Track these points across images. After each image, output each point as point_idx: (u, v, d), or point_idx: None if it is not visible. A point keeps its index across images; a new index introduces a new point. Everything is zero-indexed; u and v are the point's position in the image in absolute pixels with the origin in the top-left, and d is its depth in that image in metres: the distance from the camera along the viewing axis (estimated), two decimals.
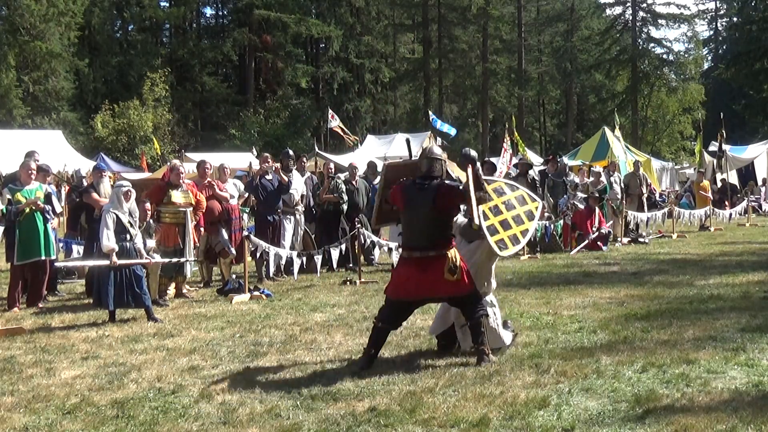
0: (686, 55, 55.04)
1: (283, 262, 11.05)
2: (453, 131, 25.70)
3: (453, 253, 6.03)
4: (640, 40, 52.69)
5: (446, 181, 6.14)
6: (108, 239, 8.29)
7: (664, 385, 5.40)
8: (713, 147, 27.47)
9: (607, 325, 7.46)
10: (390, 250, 12.06)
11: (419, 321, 7.57)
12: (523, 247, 13.96)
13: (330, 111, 21.60)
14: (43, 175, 9.86)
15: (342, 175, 13.30)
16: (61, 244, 11.14)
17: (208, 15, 58.44)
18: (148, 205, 9.45)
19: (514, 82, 52.85)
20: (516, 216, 6.40)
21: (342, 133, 21.61)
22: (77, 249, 11.51)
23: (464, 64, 52.27)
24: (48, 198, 9.44)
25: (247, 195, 12.25)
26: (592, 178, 16.41)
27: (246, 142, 39.11)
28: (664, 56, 53.11)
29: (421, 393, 5.33)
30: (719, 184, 25.50)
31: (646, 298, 9.07)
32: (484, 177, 6.51)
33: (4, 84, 35.97)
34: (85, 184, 13.94)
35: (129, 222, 8.48)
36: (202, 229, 10.42)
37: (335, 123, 21.13)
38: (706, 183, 21.55)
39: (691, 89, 51.82)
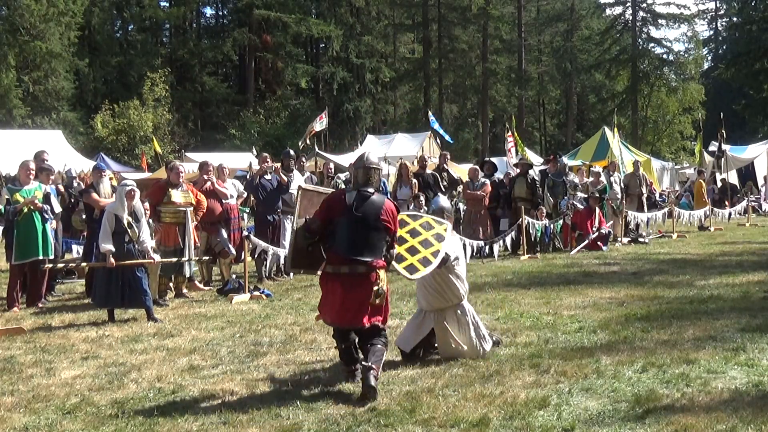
0: (686, 55, 55.07)
1: (283, 261, 11.05)
2: (447, 137, 25.77)
3: (383, 273, 5.56)
4: (640, 40, 52.72)
5: (391, 200, 5.82)
6: (105, 240, 8.30)
7: (664, 385, 5.40)
8: (713, 147, 27.47)
9: (607, 325, 7.46)
10: None
11: None
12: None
13: (324, 114, 21.24)
14: (46, 175, 9.87)
15: (342, 175, 13.31)
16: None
17: (208, 15, 58.49)
18: (146, 205, 9.46)
19: (514, 82, 52.84)
20: (423, 240, 6.15)
21: (308, 135, 21.23)
22: (77, 249, 11.53)
23: (464, 64, 52.27)
24: (47, 198, 9.44)
25: (246, 195, 12.26)
26: (591, 178, 16.42)
27: (246, 142, 39.12)
28: (664, 56, 53.15)
29: (421, 393, 5.33)
30: (719, 184, 25.50)
31: (646, 298, 9.07)
32: None
33: (4, 84, 35.96)
34: (75, 184, 13.99)
35: (130, 222, 8.48)
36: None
37: (319, 125, 20.89)
38: (700, 183, 21.45)
39: (691, 89, 51.83)
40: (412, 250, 6.08)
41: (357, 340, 5.62)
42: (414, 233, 6.19)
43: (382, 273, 5.54)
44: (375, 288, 5.45)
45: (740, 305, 8.38)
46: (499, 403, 5.05)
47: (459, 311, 6.27)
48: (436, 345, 6.36)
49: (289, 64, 50.12)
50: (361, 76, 52.42)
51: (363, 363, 5.38)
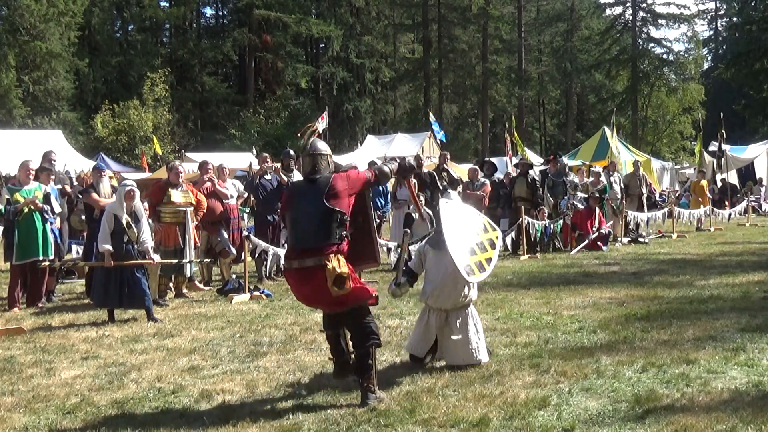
0: (686, 55, 55.07)
1: (283, 262, 11.03)
2: (441, 134, 25.85)
3: (335, 262, 5.05)
4: (640, 40, 52.75)
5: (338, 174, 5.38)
6: (104, 240, 8.31)
7: (664, 385, 5.40)
8: (713, 147, 27.49)
9: (607, 325, 7.46)
10: (389, 250, 12.05)
11: None
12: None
13: (324, 114, 21.09)
14: (46, 176, 9.88)
15: None
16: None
17: (208, 15, 58.56)
18: (146, 205, 9.47)
19: (514, 82, 52.87)
20: (480, 243, 6.03)
21: (313, 134, 21.00)
22: (77, 249, 11.53)
23: (464, 64, 52.30)
24: (47, 198, 9.45)
25: (246, 195, 12.25)
26: (591, 178, 16.42)
27: (246, 142, 39.14)
28: (664, 56, 53.17)
29: (421, 393, 5.33)
30: (719, 184, 25.51)
31: (646, 298, 9.06)
32: (447, 199, 6.39)
33: (4, 84, 35.98)
34: (75, 183, 14.02)
35: (129, 223, 8.47)
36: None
37: (321, 125, 20.72)
38: (696, 184, 21.30)
39: (691, 89, 51.83)
40: (470, 251, 5.95)
41: (346, 332, 5.45)
42: (471, 232, 6.13)
43: (335, 261, 5.06)
44: (330, 279, 5.03)
45: (740, 305, 8.38)
46: (499, 403, 5.04)
47: (465, 312, 6.12)
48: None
49: (289, 64, 50.15)
50: (361, 76, 52.46)
51: (359, 381, 5.22)
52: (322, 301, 5.28)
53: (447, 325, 6.10)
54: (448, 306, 6.10)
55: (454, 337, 6.04)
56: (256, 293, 9.89)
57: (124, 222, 8.43)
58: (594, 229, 15.00)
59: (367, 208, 5.60)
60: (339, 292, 5.04)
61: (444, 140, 26.92)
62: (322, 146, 5.46)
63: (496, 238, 6.22)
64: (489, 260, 6.00)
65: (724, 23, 65.76)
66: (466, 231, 6.08)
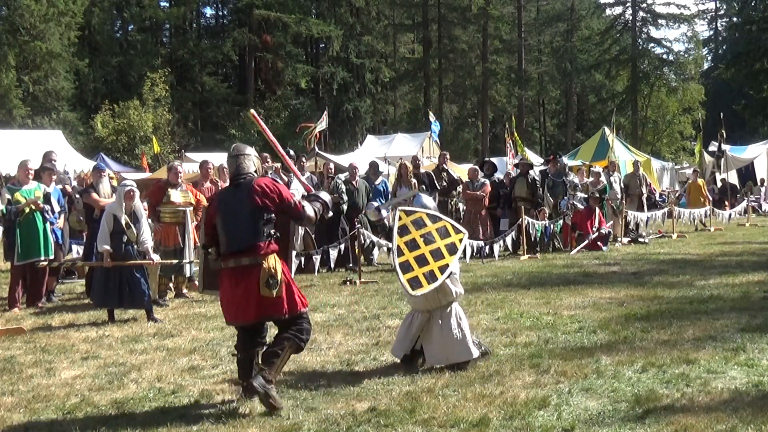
0: (686, 55, 55.04)
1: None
2: (435, 135, 26.04)
3: (272, 261, 5.15)
4: (640, 40, 52.70)
5: (265, 177, 5.57)
6: (103, 240, 8.32)
7: (664, 385, 5.40)
8: (713, 147, 27.49)
9: (607, 325, 7.46)
10: (389, 250, 12.05)
11: None
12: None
13: (324, 114, 21.03)
14: (48, 175, 9.89)
15: (342, 175, 13.31)
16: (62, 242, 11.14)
17: (208, 15, 58.42)
18: (146, 205, 9.48)
19: (514, 82, 52.81)
20: (435, 250, 5.87)
21: (313, 137, 20.84)
22: (77, 249, 11.54)
23: (464, 64, 52.26)
24: (47, 198, 9.46)
25: None
26: (591, 178, 16.42)
27: (246, 143, 39.08)
28: (664, 56, 53.11)
29: (421, 393, 5.33)
30: (719, 184, 25.51)
31: (646, 298, 9.07)
32: (405, 208, 6.16)
33: (4, 84, 35.93)
34: (75, 183, 14.04)
35: (128, 223, 8.48)
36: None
37: (321, 126, 20.62)
38: (693, 184, 21.15)
39: (691, 89, 51.80)
40: (421, 260, 5.82)
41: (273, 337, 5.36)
42: (428, 240, 5.92)
43: (272, 260, 5.15)
44: (264, 279, 5.08)
45: (740, 305, 8.38)
46: (499, 403, 5.05)
47: (446, 311, 6.03)
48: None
49: (289, 64, 50.10)
50: (361, 76, 52.40)
51: (258, 364, 5.14)
52: (248, 305, 5.13)
53: (429, 325, 6.04)
54: (422, 307, 6.06)
55: (435, 337, 5.99)
56: None
57: (123, 222, 8.44)
58: (594, 229, 15.00)
59: (288, 233, 5.53)
60: (267, 294, 5.08)
61: (436, 139, 27.02)
62: (245, 148, 5.56)
63: (459, 241, 6.01)
64: (444, 268, 5.83)
65: (724, 23, 65.74)
66: (420, 238, 5.92)
